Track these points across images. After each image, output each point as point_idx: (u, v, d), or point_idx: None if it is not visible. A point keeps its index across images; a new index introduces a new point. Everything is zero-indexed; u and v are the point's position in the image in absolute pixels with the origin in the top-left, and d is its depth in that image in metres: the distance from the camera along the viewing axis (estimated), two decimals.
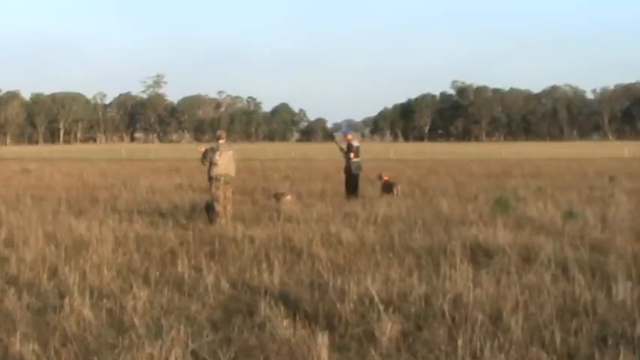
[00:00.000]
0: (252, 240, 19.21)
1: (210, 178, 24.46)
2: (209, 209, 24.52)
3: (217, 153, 24.12)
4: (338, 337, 10.81)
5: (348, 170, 32.95)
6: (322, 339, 10.02)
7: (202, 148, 25.54)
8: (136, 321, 11.50)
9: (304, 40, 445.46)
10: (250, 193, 34.87)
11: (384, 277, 14.11)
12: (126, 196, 33.96)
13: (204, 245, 18.85)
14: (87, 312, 11.85)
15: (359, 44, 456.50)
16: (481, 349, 9.89)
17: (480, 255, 16.90)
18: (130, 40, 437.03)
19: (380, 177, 34.45)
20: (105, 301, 12.76)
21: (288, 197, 30.08)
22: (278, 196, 30.15)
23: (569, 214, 23.71)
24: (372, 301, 12.29)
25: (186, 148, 34.13)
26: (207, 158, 24.28)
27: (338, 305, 12.12)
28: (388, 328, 10.77)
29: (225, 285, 14.14)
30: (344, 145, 33.48)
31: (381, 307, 11.62)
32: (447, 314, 11.46)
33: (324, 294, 13.13)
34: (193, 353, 10.06)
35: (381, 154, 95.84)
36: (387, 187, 33.19)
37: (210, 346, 10.44)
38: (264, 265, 15.59)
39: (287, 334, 10.70)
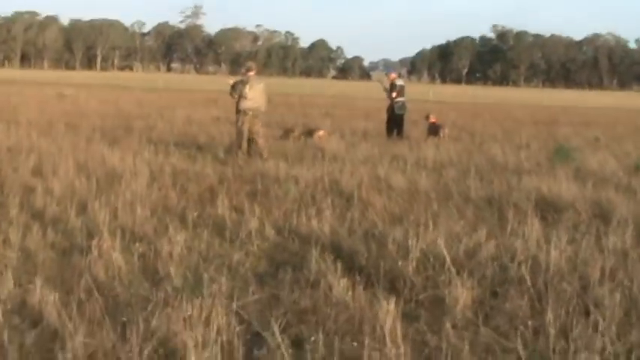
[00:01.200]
0: (296, 180, 17.81)
1: (238, 112, 23.32)
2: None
3: (247, 86, 23.10)
4: (402, 302, 9.25)
5: (390, 110, 31.46)
6: (388, 306, 8.59)
7: (232, 80, 24.28)
8: (172, 270, 10.13)
9: None
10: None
11: (446, 231, 12.64)
12: (162, 127, 32.68)
13: (244, 184, 17.51)
14: (117, 256, 10.46)
15: None
16: (571, 325, 8.40)
17: (546, 210, 15.29)
18: None
19: (427, 117, 32.67)
20: (137, 244, 11.32)
21: (321, 132, 28.81)
22: (311, 132, 28.90)
23: (637, 168, 22.17)
24: (436, 259, 10.89)
25: (222, 81, 33.08)
26: (237, 91, 23.18)
27: (399, 263, 10.74)
28: (462, 295, 9.32)
29: (270, 231, 12.68)
30: (387, 84, 31.76)
31: (453, 270, 10.19)
32: (528, 281, 9.97)
33: (382, 248, 11.71)
34: (237, 314, 8.68)
35: (419, 95, 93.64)
36: (434, 130, 31.55)
37: (256, 306, 9.10)
38: (311, 211, 14.22)
39: (344, 296, 9.31)
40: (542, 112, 63.36)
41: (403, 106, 31.29)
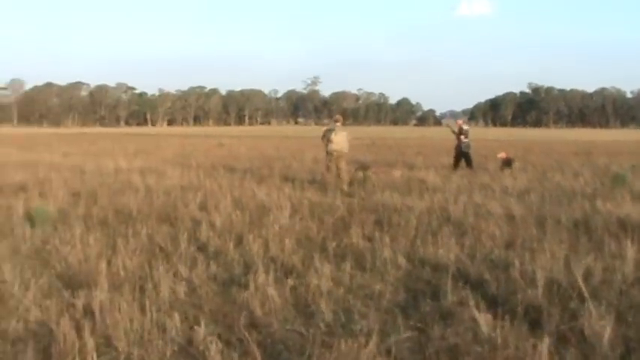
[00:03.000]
0: (410, 209, 15.45)
1: (327, 153, 22.26)
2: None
3: (333, 133, 22.08)
4: (546, 337, 6.79)
5: (458, 149, 29.24)
6: (542, 345, 6.22)
7: (324, 128, 23.20)
8: (322, 304, 7.92)
9: (418, 51, 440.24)
10: (393, 165, 30.82)
11: (558, 256, 10.16)
12: (296, 166, 30.52)
13: (369, 213, 15.15)
14: (272, 291, 8.27)
15: (458, 55, 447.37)
16: None
17: (629, 230, 12.66)
18: (295, 50, 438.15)
19: (499, 154, 30.16)
20: (289, 279, 9.04)
21: (399, 171, 26.16)
22: (388, 171, 26.26)
23: None
24: (560, 284, 8.48)
25: (318, 129, 31.19)
26: (326, 137, 22.22)
27: (529, 292, 8.33)
28: (606, 330, 6.85)
29: (401, 260, 10.24)
30: (455, 129, 29.84)
31: (587, 297, 7.75)
32: None
33: (505, 273, 9.34)
34: (388, 352, 6.43)
35: (480, 136, 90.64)
36: (507, 162, 29.16)
37: (407, 344, 6.82)
38: (431, 238, 11.88)
39: (491, 333, 6.94)
40: (575, 146, 59.64)
41: (468, 145, 29.22)
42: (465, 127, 29.67)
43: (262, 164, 32.14)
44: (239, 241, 11.64)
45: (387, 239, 11.61)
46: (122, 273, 9.43)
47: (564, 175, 25.20)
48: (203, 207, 16.02)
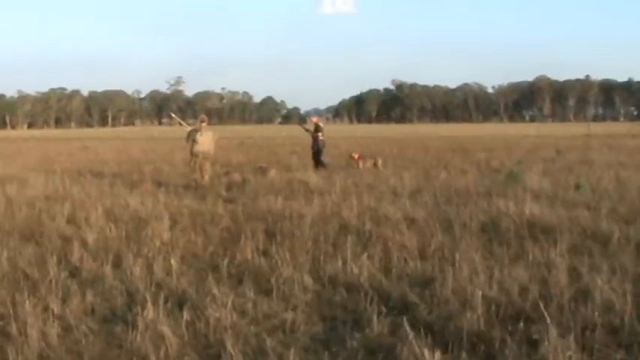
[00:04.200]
0: (301, 216, 14.17)
1: (191, 154, 21.93)
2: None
3: (199, 134, 21.82)
4: None
5: (315, 146, 28.50)
6: None
7: (188, 128, 23.44)
8: (229, 345, 6.53)
9: (281, 48, 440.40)
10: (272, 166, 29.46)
11: (479, 267, 9.10)
12: (167, 170, 28.70)
13: (256, 221, 13.79)
14: (165, 329, 6.83)
15: (321, 53, 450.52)
16: None
17: (539, 233, 11.79)
18: (157, 50, 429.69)
19: (351, 156, 29.13)
20: (183, 312, 7.53)
21: (273, 172, 25.01)
22: (263, 170, 25.20)
23: (578, 187, 18.81)
24: (499, 306, 7.40)
25: (183, 129, 29.94)
26: (191, 137, 21.92)
27: (467, 315, 7.17)
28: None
29: (307, 280, 8.91)
30: (311, 127, 29.04)
31: (548, 319, 6.66)
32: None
33: (430, 291, 8.20)
34: None
35: (348, 133, 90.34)
36: (368, 162, 28.38)
37: None
38: (332, 249, 10.68)
39: None
40: (450, 141, 59.75)
41: (324, 143, 28.71)
42: (321, 124, 29.14)
43: (132, 168, 30.23)
44: (117, 262, 10.09)
45: (285, 254, 10.29)
46: None
47: (450, 172, 24.46)
48: (72, 220, 14.30)
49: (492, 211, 14.32)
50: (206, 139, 21.77)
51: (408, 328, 6.70)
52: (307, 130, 29.13)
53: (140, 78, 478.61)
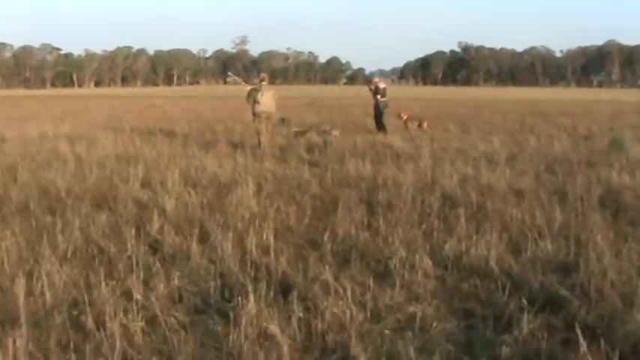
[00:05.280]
0: (397, 184, 12.80)
1: (253, 114, 20.70)
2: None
3: (259, 93, 20.50)
4: None
5: (376, 109, 26.70)
6: None
7: (248, 87, 21.72)
8: (353, 349, 5.24)
9: (348, 8, 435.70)
10: (354, 129, 27.91)
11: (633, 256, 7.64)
12: (240, 130, 27.41)
13: (348, 189, 12.48)
14: (273, 328, 5.55)
15: (387, 14, 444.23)
16: None
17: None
18: (223, 10, 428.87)
19: (399, 116, 27.79)
20: (291, 303, 6.22)
21: (336, 133, 23.42)
22: (327, 132, 23.46)
23: None
24: None
25: (240, 88, 28.42)
26: (251, 97, 20.63)
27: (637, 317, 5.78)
28: None
29: (426, 262, 7.49)
30: (373, 87, 27.27)
31: None
32: None
33: (577, 285, 6.79)
34: None
35: (415, 95, 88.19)
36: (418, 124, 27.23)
37: None
38: (442, 224, 9.32)
39: None
40: (522, 105, 57.28)
41: (386, 104, 26.63)
42: (382, 85, 27.28)
43: (203, 127, 29.12)
44: (203, 235, 8.84)
45: (392, 229, 8.95)
46: (48, 297, 6.55)
47: (539, 138, 22.73)
48: (146, 184, 13.17)
49: (607, 183, 12.74)
50: (267, 99, 20.56)
51: (580, 335, 5.29)
52: (371, 90, 27.55)
53: (206, 37, 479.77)
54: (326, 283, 6.74)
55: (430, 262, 7.52)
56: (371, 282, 6.78)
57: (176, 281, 6.98)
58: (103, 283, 6.67)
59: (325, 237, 8.67)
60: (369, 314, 6.13)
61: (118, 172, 14.68)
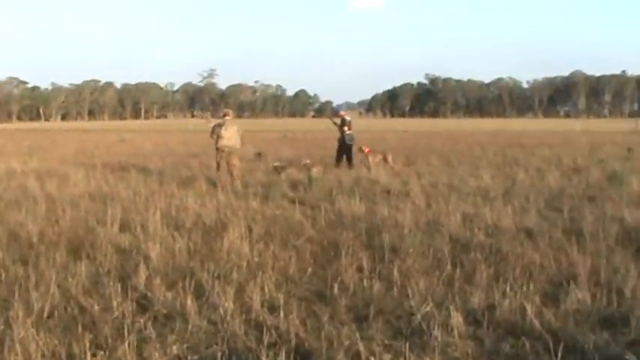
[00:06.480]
0: (398, 225, 11.89)
1: (217, 149, 20.26)
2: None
3: (223, 128, 20.19)
4: None
5: (341, 141, 26.04)
6: None
7: (211, 123, 21.27)
8: None
9: (319, 42, 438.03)
10: (333, 163, 26.98)
11: None
12: (215, 165, 26.29)
13: (343, 230, 11.54)
14: None
15: (355, 47, 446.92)
16: None
17: None
18: (191, 42, 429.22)
19: (361, 149, 26.28)
20: None
21: (318, 169, 22.55)
22: (308, 167, 22.56)
23: None
24: None
25: (201, 123, 27.11)
26: (215, 132, 20.30)
27: None
28: None
29: (458, 320, 6.57)
30: (338, 120, 26.75)
31: None
32: None
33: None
34: None
35: (387, 127, 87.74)
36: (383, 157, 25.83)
37: None
38: (458, 272, 8.41)
39: None
40: (497, 136, 56.61)
41: (352, 137, 26.01)
42: (348, 117, 26.81)
43: (177, 162, 28.04)
44: (197, 289, 7.82)
45: (407, 279, 8.03)
46: None
47: (528, 172, 21.95)
48: (125, 226, 12.12)
49: (620, 220, 11.97)
50: (231, 133, 20.15)
51: None
52: (335, 124, 27.00)
53: (173, 71, 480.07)
54: (348, 347, 5.80)
55: (461, 319, 6.59)
56: (406, 348, 5.82)
57: (174, 349, 5.98)
58: (89, 354, 5.66)
59: (335, 289, 7.71)
60: None
61: (94, 212, 13.70)
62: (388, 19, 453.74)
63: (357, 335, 6.19)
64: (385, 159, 25.60)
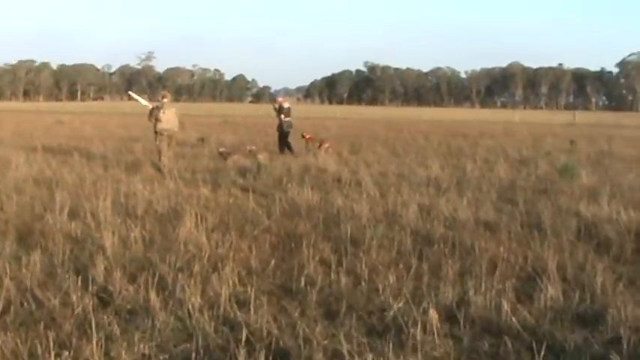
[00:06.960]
0: (355, 216, 11.69)
1: (155, 132, 20.20)
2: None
3: (161, 111, 20.04)
4: None
5: (280, 128, 25.87)
6: None
7: (150, 105, 21.38)
8: None
9: (258, 27, 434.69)
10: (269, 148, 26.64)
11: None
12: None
13: (299, 219, 11.31)
14: None
15: (293, 33, 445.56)
16: None
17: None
18: (129, 25, 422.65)
19: (302, 136, 26.97)
20: None
21: (265, 155, 22.18)
22: (224, 155, 22.15)
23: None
24: None
25: (138, 105, 27.21)
26: (153, 115, 20.18)
27: None
28: None
29: (431, 315, 6.41)
30: (277, 106, 26.41)
31: None
32: None
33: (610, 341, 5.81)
34: None
35: (328, 114, 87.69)
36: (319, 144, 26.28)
37: None
38: (424, 266, 8.27)
39: None
40: (438, 126, 56.78)
41: (290, 124, 25.84)
42: (286, 104, 26.39)
43: (119, 146, 27.39)
44: (159, 282, 7.49)
45: (374, 273, 7.84)
46: None
47: (476, 162, 21.94)
48: (75, 213, 11.68)
49: (577, 214, 12.00)
50: (169, 116, 20.11)
51: None
52: (275, 110, 26.56)
53: (110, 52, 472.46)
54: (325, 346, 5.58)
55: (436, 316, 6.42)
56: (389, 348, 5.62)
57: (142, 347, 5.68)
58: (53, 353, 5.33)
59: (301, 283, 7.49)
60: None
61: (40, 198, 13.19)
62: (328, 5, 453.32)
63: (332, 333, 5.99)
64: (320, 146, 25.49)
